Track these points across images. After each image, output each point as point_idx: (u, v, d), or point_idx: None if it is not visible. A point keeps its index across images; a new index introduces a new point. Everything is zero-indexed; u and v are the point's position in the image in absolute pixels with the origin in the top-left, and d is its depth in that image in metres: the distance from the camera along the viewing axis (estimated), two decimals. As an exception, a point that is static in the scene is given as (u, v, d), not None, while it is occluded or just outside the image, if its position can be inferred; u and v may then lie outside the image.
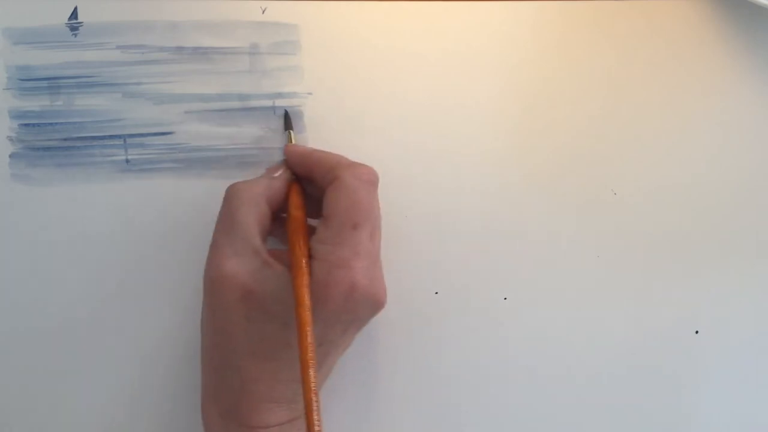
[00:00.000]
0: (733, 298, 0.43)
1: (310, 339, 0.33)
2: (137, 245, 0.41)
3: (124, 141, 0.41)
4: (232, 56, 0.41)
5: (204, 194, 0.41)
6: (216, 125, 0.41)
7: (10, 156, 0.40)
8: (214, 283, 0.35)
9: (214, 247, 0.36)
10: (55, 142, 0.41)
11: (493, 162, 0.42)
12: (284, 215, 0.38)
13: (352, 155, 0.41)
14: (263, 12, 0.41)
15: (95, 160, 0.41)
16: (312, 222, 0.38)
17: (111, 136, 0.41)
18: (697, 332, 0.43)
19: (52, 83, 0.40)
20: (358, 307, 0.35)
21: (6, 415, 0.41)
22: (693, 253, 0.43)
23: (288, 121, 0.41)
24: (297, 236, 0.36)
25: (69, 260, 0.41)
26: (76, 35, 0.40)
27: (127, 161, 0.41)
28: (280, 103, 0.41)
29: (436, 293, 0.42)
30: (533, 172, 0.42)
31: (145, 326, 0.41)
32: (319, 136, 0.41)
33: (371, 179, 0.37)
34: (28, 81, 0.40)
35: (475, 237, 0.42)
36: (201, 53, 0.41)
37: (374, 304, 0.36)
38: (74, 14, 0.40)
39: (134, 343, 0.41)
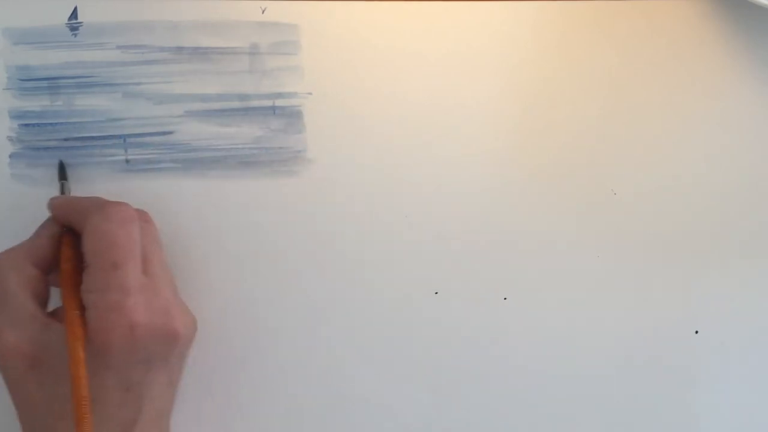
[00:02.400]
0: (733, 298, 0.43)
1: (84, 392, 0.32)
2: (137, 245, 0.41)
3: (124, 141, 0.41)
4: (232, 56, 0.41)
5: (204, 194, 0.41)
6: (216, 125, 0.41)
7: (10, 156, 0.40)
8: None
9: None
10: (55, 142, 0.41)
11: (493, 162, 0.42)
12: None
13: (352, 155, 0.41)
14: (263, 12, 0.41)
15: (95, 160, 0.41)
16: None
17: (111, 136, 0.41)
18: (697, 332, 0.43)
19: (52, 83, 0.40)
20: (147, 344, 0.34)
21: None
22: (693, 253, 0.43)
23: (61, 172, 0.40)
24: (66, 290, 0.35)
25: (69, 260, 0.41)
26: (76, 35, 0.40)
27: (127, 161, 0.41)
28: (280, 103, 0.41)
29: (436, 293, 0.42)
30: (533, 172, 0.42)
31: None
32: (319, 136, 0.41)
33: (123, 216, 0.36)
34: (28, 81, 0.40)
35: (475, 237, 0.42)
36: (201, 53, 0.41)
37: (165, 336, 0.35)
38: (74, 14, 0.40)
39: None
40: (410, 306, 0.42)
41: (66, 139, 0.41)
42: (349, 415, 0.42)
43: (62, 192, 0.40)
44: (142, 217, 0.38)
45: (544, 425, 0.43)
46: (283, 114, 0.41)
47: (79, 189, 0.41)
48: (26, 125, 0.40)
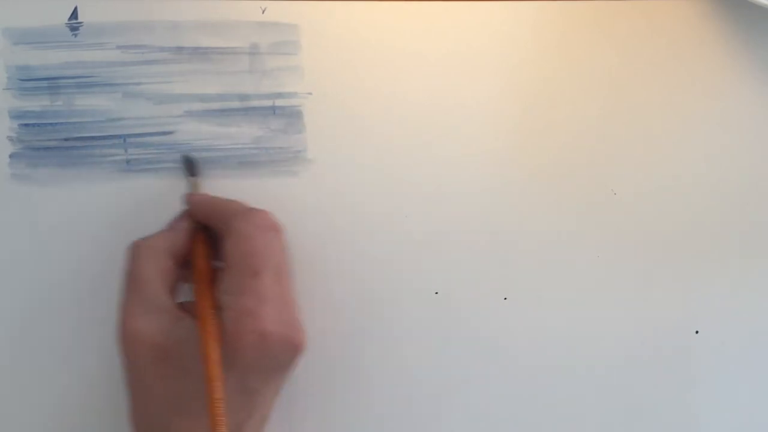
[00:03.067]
0: (733, 298, 0.43)
1: (218, 394, 0.33)
2: (137, 245, 0.41)
3: (124, 141, 0.41)
4: (232, 56, 0.41)
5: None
6: (216, 125, 0.41)
7: (10, 156, 0.40)
8: (126, 345, 0.35)
9: (122, 308, 0.36)
10: (55, 142, 0.41)
11: (493, 162, 0.42)
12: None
13: (352, 155, 0.41)
14: (263, 12, 0.41)
15: (95, 160, 0.41)
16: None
17: (111, 136, 0.41)
18: (697, 332, 0.43)
19: (52, 83, 0.40)
20: (274, 353, 0.35)
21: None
22: (693, 253, 0.43)
23: (192, 168, 0.41)
24: (202, 287, 0.36)
25: (69, 260, 0.41)
26: (76, 35, 0.40)
27: (127, 161, 0.41)
28: (280, 103, 0.41)
29: (436, 293, 0.42)
30: (533, 172, 0.42)
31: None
32: (319, 136, 0.41)
33: (267, 224, 0.37)
34: (28, 81, 0.40)
35: (476, 237, 0.42)
36: (201, 53, 0.41)
37: (291, 348, 0.35)
38: (74, 14, 0.40)
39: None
40: (410, 306, 0.42)
41: (66, 139, 0.41)
42: (347, 414, 0.42)
43: (193, 189, 0.40)
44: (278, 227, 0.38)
45: (544, 425, 0.43)
46: (283, 114, 0.41)
47: (80, 189, 0.41)
48: (26, 125, 0.40)
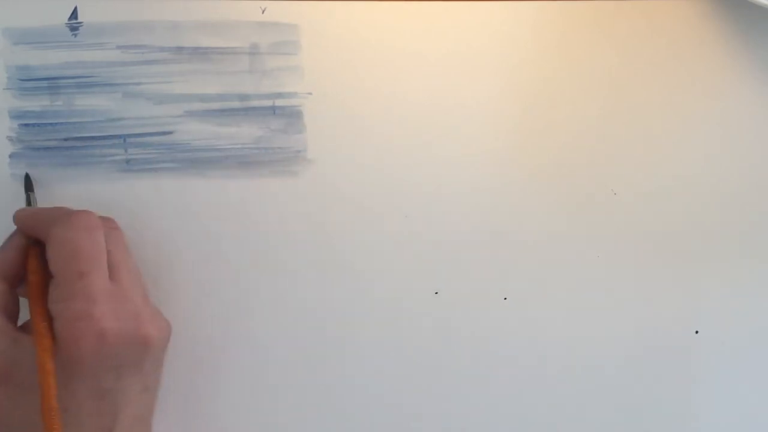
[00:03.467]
0: (733, 298, 0.43)
1: (52, 403, 0.32)
2: (137, 245, 0.41)
3: (124, 141, 0.41)
4: (232, 56, 0.41)
5: (204, 194, 0.41)
6: (216, 125, 0.41)
7: (10, 156, 0.40)
8: None
9: None
10: (55, 142, 0.41)
11: (493, 162, 0.42)
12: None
13: (352, 155, 0.41)
14: (263, 12, 0.41)
15: (95, 160, 0.41)
16: None
17: (111, 136, 0.41)
18: (697, 332, 0.43)
19: (52, 83, 0.40)
20: (118, 350, 0.34)
21: None
22: (693, 253, 0.43)
23: (27, 183, 0.40)
24: (34, 301, 0.35)
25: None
26: (76, 35, 0.40)
27: (127, 161, 0.41)
28: (280, 103, 0.41)
29: (436, 293, 0.42)
30: (533, 172, 0.42)
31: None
32: (319, 136, 0.41)
33: (87, 224, 0.36)
34: (28, 81, 0.40)
35: (476, 237, 0.42)
36: (201, 53, 0.41)
37: (138, 342, 0.35)
38: (74, 14, 0.40)
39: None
40: (410, 306, 0.42)
41: (66, 139, 0.41)
42: (348, 415, 0.42)
43: (28, 204, 0.40)
44: (108, 224, 0.38)
45: (544, 425, 0.43)
46: (283, 114, 0.41)
47: (80, 189, 0.41)
48: (26, 125, 0.40)
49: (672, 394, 0.43)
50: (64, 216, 0.36)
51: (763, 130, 0.43)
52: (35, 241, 0.37)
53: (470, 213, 0.42)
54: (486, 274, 0.42)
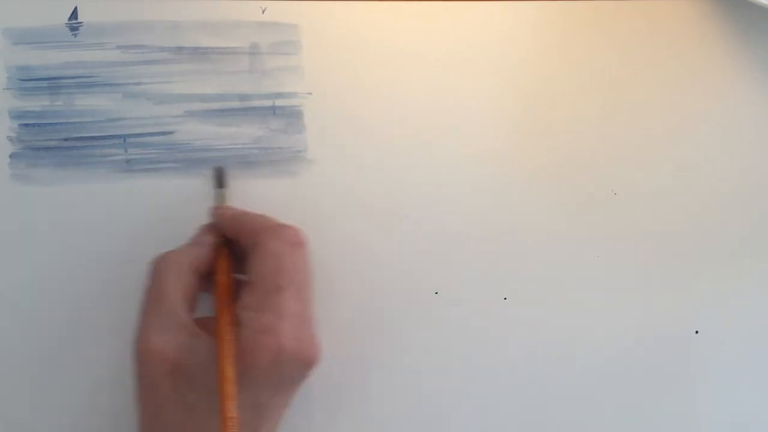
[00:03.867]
0: (733, 298, 0.43)
1: (232, 413, 0.33)
2: (137, 245, 0.41)
3: (124, 141, 0.41)
4: (232, 56, 0.41)
5: (204, 194, 0.41)
6: (216, 125, 0.41)
7: (10, 156, 0.40)
8: (141, 358, 0.35)
9: (141, 321, 0.36)
10: (55, 142, 0.41)
11: (493, 162, 0.42)
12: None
13: (352, 155, 0.41)
14: (263, 12, 0.41)
15: (95, 160, 0.41)
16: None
17: (111, 136, 0.41)
18: (697, 332, 0.43)
19: (52, 83, 0.40)
20: (285, 369, 0.35)
21: None
22: (693, 253, 0.43)
23: (220, 179, 0.40)
24: (222, 304, 0.36)
25: (69, 260, 0.41)
26: (76, 35, 0.40)
27: (127, 161, 0.41)
28: (280, 103, 0.41)
29: (436, 293, 0.42)
30: (533, 172, 0.42)
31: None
32: (319, 136, 0.41)
33: (295, 241, 0.36)
34: (28, 81, 0.40)
35: (475, 237, 0.42)
36: (201, 53, 0.41)
37: (304, 364, 0.35)
38: (74, 14, 0.40)
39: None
40: (410, 306, 0.42)
41: (66, 139, 0.41)
42: (347, 416, 0.42)
43: (219, 201, 0.40)
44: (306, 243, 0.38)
45: (544, 424, 0.43)
46: (283, 114, 0.41)
47: (80, 189, 0.41)
48: (26, 125, 0.40)
49: (672, 394, 0.43)
50: (275, 228, 0.37)
51: (763, 130, 0.43)
52: (226, 241, 0.38)
53: (470, 213, 0.42)
54: (486, 274, 0.42)
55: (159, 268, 0.36)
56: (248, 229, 0.37)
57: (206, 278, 0.38)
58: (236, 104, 0.41)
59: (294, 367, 0.35)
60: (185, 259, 0.37)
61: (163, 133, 0.41)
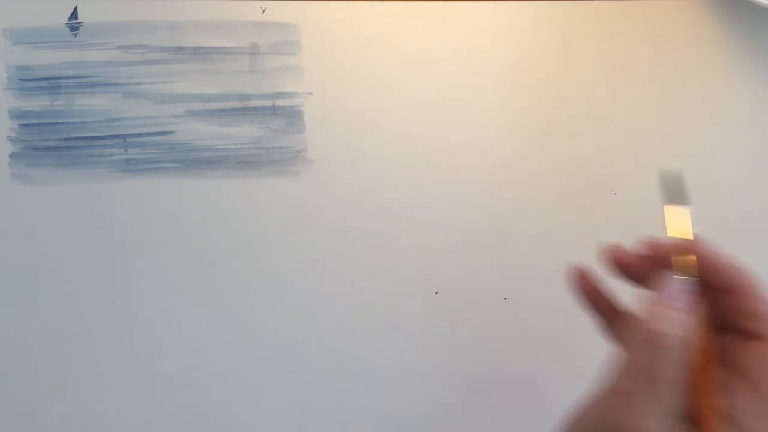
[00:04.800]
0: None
1: None
2: (137, 245, 0.41)
3: (124, 141, 0.41)
4: (232, 56, 0.41)
5: (204, 194, 0.41)
6: (216, 125, 0.41)
7: (10, 156, 0.40)
8: None
9: (627, 395, 0.30)
10: (55, 142, 0.41)
11: (493, 162, 0.42)
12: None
13: (352, 155, 0.41)
14: (263, 12, 0.41)
15: (95, 160, 0.41)
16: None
17: (111, 136, 0.41)
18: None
19: (52, 83, 0.40)
20: None
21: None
22: (693, 253, 0.43)
23: (678, 190, 0.30)
24: (704, 385, 0.29)
25: (69, 260, 0.41)
26: (76, 35, 0.40)
27: (127, 161, 0.41)
28: (281, 103, 0.41)
29: (436, 293, 0.42)
30: (533, 171, 0.42)
31: (146, 325, 0.41)
32: (320, 136, 0.41)
33: None
34: (28, 81, 0.40)
35: (476, 237, 0.42)
36: (201, 53, 0.41)
37: None
38: (74, 14, 0.40)
39: (134, 342, 0.41)
40: (410, 306, 0.42)
41: (66, 139, 0.41)
42: (347, 416, 0.42)
43: (681, 228, 0.31)
44: None
45: (544, 424, 0.43)
46: (284, 114, 0.41)
47: (80, 189, 0.41)
48: (26, 125, 0.40)
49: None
50: None
51: (763, 130, 0.43)
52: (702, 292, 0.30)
53: (470, 213, 0.42)
54: (486, 274, 0.42)
55: (665, 345, 0.29)
56: (748, 301, 0.30)
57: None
58: (236, 104, 0.41)
59: None
60: (687, 336, 0.29)
61: (163, 133, 0.41)
